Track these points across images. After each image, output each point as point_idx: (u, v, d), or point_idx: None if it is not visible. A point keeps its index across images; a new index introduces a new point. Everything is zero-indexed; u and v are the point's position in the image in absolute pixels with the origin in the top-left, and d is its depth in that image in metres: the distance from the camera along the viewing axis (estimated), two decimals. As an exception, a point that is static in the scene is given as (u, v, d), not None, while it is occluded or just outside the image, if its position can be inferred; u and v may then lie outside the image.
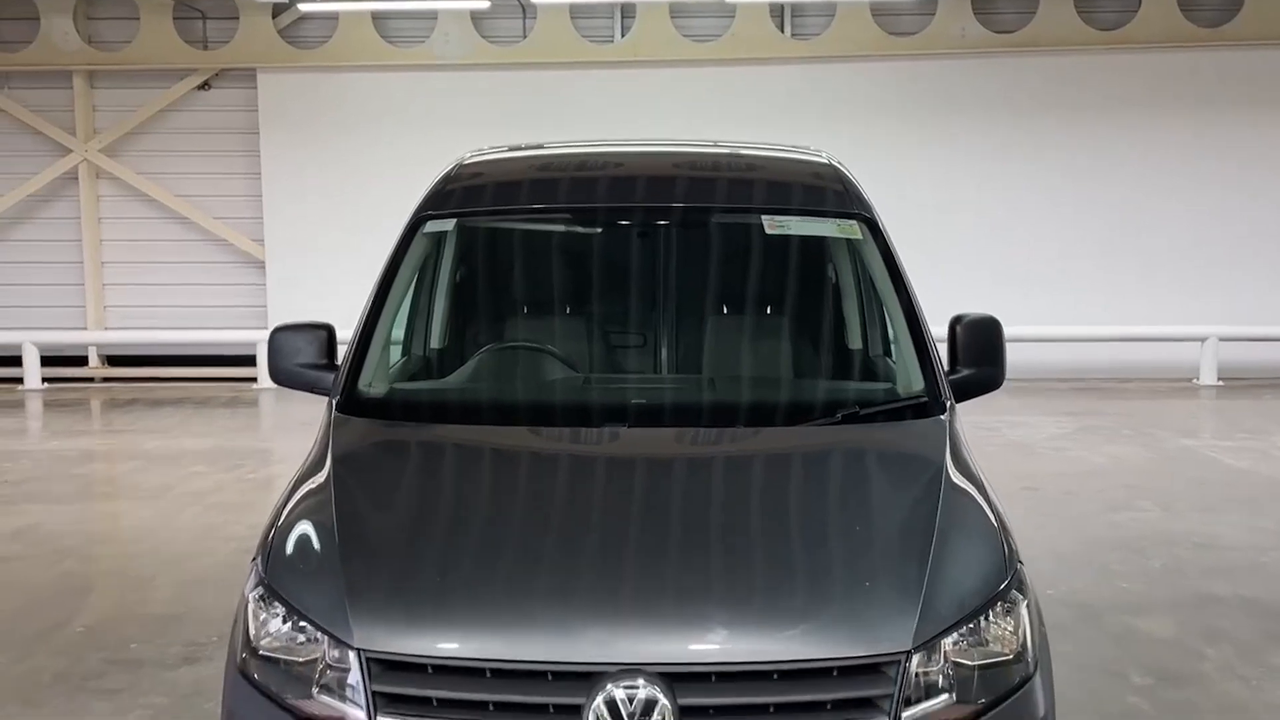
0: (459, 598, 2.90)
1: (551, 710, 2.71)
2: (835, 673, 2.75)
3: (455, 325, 4.87)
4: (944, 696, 2.79)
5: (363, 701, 2.76)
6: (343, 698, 2.80)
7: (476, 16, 14.57)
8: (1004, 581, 3.01)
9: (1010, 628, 2.94)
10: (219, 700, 3.13)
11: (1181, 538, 7.44)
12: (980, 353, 4.00)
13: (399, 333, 4.47)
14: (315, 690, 2.83)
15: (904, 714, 2.74)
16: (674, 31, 14.50)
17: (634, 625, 2.82)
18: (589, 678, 2.70)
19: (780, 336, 4.58)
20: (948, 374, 3.93)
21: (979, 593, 2.95)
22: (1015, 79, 14.46)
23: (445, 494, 3.47)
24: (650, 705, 2.66)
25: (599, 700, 2.67)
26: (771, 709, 2.71)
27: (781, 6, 14.56)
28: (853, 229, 4.27)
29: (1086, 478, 9.21)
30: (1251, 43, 14.19)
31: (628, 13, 14.74)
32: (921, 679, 2.78)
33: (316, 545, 3.14)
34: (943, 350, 4.01)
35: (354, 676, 2.79)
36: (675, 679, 2.70)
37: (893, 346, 4.33)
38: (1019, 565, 3.11)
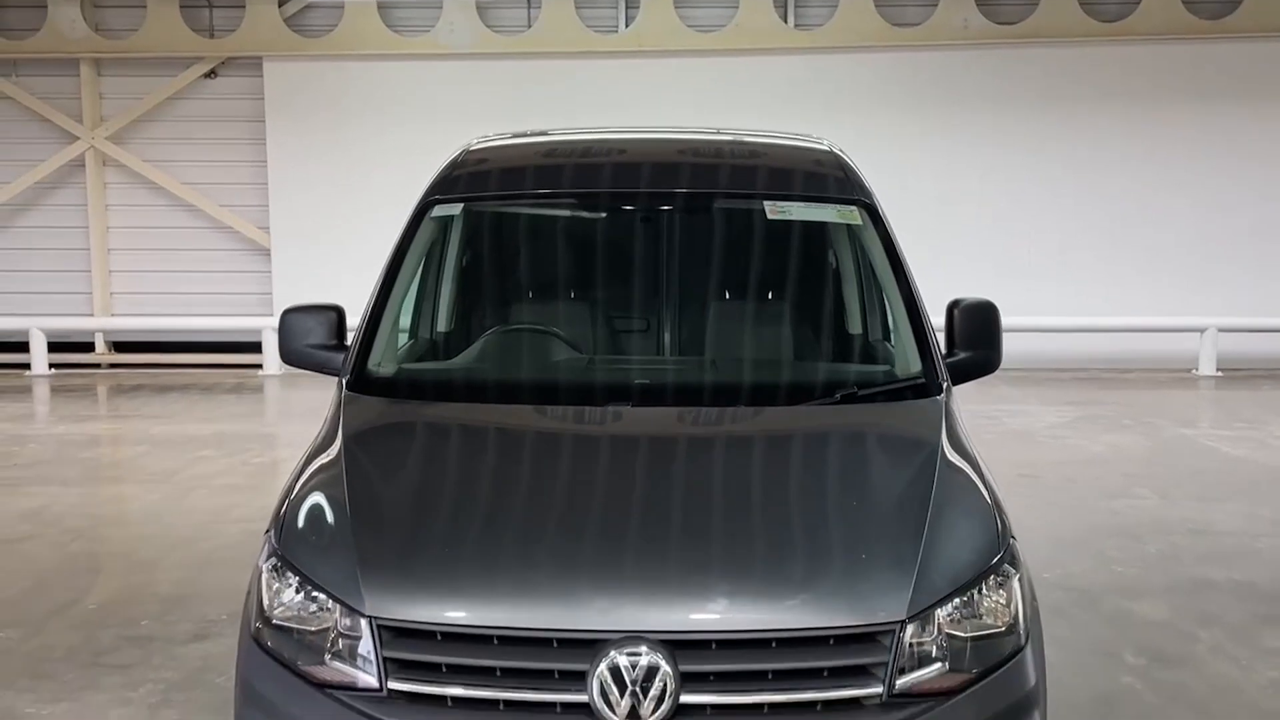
0: (467, 567, 2.96)
1: (557, 676, 2.78)
2: (832, 641, 2.82)
3: (462, 308, 4.93)
4: (937, 665, 2.87)
5: (374, 668, 2.84)
6: (354, 664, 2.87)
7: (481, 6, 14.64)
8: (996, 555, 3.08)
9: (1002, 600, 3.01)
10: (229, 675, 3.18)
11: (1178, 524, 7.52)
12: (977, 336, 4.06)
13: (406, 317, 4.55)
14: (328, 657, 2.90)
15: (898, 682, 2.81)
16: (678, 21, 14.56)
17: (637, 595, 2.88)
18: (593, 645, 2.77)
19: (781, 320, 4.63)
20: (945, 357, 4.00)
21: (972, 566, 3.02)
22: (1018, 70, 14.50)
23: (453, 469, 3.53)
24: (652, 672, 2.73)
25: (603, 666, 2.74)
26: (770, 676, 2.79)
27: (785, -3, 14.64)
28: (853, 215, 4.34)
29: (1086, 465, 9.29)
30: (1253, 35, 14.24)
31: (632, 3, 14.81)
32: (915, 648, 2.85)
33: (329, 518, 3.21)
34: (941, 336, 4.08)
35: (365, 644, 2.86)
36: (677, 646, 2.77)
37: (891, 331, 4.40)
38: (1011, 540, 3.18)
